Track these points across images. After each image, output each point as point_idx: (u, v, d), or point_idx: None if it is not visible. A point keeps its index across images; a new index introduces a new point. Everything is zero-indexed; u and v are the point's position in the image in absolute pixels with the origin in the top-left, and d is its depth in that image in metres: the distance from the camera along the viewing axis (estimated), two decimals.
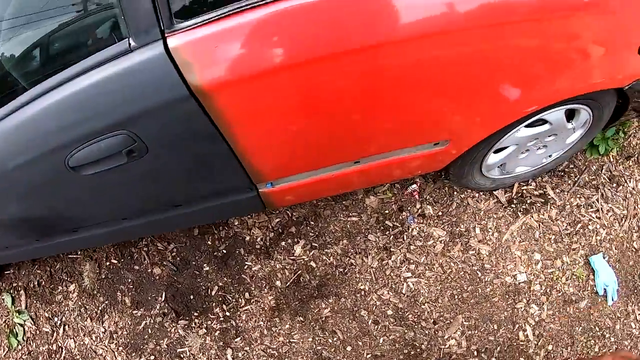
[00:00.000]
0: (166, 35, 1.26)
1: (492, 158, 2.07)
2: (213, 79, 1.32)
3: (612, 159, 2.47)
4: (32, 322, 2.65)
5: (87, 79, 1.34)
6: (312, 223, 2.48)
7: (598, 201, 2.40)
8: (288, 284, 2.46)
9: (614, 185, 2.43)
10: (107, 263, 2.65)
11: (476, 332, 2.30)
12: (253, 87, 1.36)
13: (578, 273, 2.32)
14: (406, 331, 2.32)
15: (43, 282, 2.69)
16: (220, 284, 2.52)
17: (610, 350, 2.27)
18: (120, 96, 1.36)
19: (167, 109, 1.39)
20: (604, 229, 2.37)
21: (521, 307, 2.29)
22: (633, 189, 2.44)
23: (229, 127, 1.49)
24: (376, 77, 1.42)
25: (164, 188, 1.84)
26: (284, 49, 1.30)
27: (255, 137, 1.59)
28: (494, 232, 2.36)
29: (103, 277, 2.64)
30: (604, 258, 2.32)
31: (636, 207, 2.40)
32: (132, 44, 1.29)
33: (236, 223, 2.55)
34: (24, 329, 2.65)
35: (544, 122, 1.88)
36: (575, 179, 2.43)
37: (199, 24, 1.26)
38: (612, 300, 2.30)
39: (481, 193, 2.41)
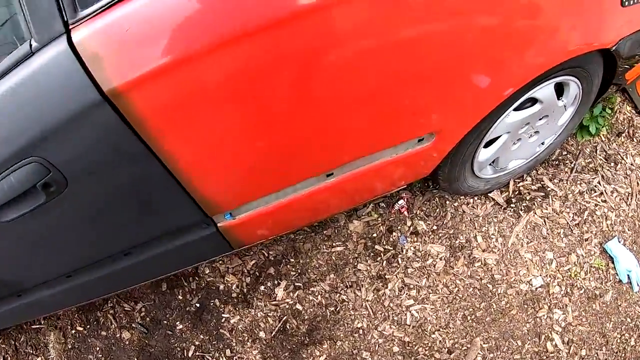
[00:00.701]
0: (70, 27, 1.04)
1: (484, 154, 1.85)
2: (127, 74, 1.05)
3: (604, 139, 2.30)
4: None
5: None
6: (292, 260, 2.18)
7: (600, 184, 2.20)
8: (274, 333, 2.13)
9: (612, 164, 2.25)
10: (73, 331, 2.31)
11: (499, 353, 2.01)
12: (181, 80, 1.09)
13: (596, 264, 2.09)
14: None
15: (9, 358, 2.34)
16: (197, 342, 2.19)
17: None
18: (20, 113, 1.11)
19: (77, 122, 1.12)
20: (612, 212, 2.17)
21: (543, 315, 2.03)
22: (632, 164, 2.27)
23: (158, 138, 1.20)
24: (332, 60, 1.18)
25: (101, 232, 1.52)
26: (218, 23, 1.04)
27: (195, 152, 1.29)
28: (497, 238, 2.11)
29: (70, 347, 2.30)
30: (619, 242, 2.11)
31: (639, 182, 2.21)
32: (34, 44, 1.04)
33: (207, 271, 2.23)
34: None
35: (534, 102, 1.71)
36: (572, 166, 2.23)
37: (107, 6, 1.02)
38: (638, 285, 2.09)
39: (476, 198, 2.17)
